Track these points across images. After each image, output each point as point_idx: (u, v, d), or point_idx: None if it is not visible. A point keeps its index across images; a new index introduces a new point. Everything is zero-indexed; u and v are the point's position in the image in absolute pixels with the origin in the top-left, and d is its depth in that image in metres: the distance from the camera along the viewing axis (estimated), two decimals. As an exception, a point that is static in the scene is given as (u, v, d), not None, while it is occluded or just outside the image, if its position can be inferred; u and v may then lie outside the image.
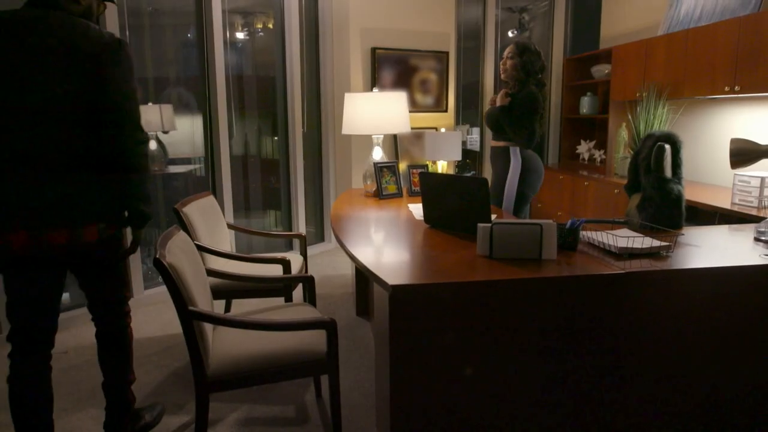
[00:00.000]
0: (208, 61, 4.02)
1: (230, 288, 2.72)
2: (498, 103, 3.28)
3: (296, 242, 4.48)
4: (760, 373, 1.94)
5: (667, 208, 2.27)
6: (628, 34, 4.97)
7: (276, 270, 2.79)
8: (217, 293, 2.67)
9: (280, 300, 2.68)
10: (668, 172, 2.29)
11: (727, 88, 3.49)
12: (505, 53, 3.26)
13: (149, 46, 4.01)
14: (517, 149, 3.26)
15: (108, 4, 2.11)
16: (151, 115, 3.90)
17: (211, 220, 2.93)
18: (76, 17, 1.84)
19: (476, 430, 1.79)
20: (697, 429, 1.94)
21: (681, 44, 3.90)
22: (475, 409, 1.77)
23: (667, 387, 1.88)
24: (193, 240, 2.60)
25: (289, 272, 2.76)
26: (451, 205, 2.35)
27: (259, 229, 4.69)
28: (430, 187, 2.45)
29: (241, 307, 2.80)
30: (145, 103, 3.91)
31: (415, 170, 3.44)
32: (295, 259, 3.01)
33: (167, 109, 3.96)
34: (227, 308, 3.07)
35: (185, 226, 2.65)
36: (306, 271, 3.13)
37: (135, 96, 1.84)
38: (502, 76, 3.30)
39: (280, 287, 2.71)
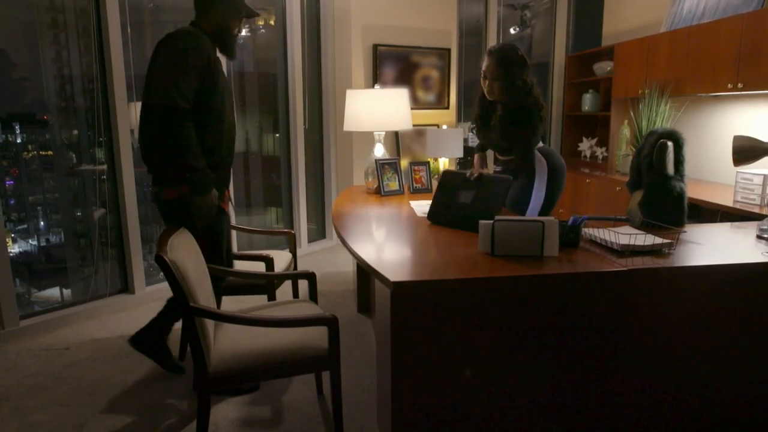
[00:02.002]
0: (210, 57, 4.00)
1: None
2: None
3: (299, 238, 4.49)
4: (762, 371, 1.94)
5: (669, 206, 2.27)
6: (631, 31, 4.95)
7: (260, 267, 2.78)
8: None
9: (281, 297, 2.68)
10: (670, 170, 2.28)
11: (730, 86, 3.48)
12: (485, 69, 2.83)
13: (150, 43, 4.00)
14: (536, 151, 2.85)
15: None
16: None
17: None
18: None
19: (477, 426, 1.79)
20: (698, 426, 1.94)
21: (684, 41, 3.89)
22: (477, 405, 1.77)
23: (668, 384, 1.88)
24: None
25: (272, 269, 2.74)
26: (464, 203, 2.34)
27: (261, 226, 4.70)
28: (449, 184, 2.47)
29: (242, 304, 2.80)
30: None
31: (416, 167, 3.44)
32: (282, 257, 3.00)
33: (168, 105, 3.95)
34: (217, 305, 3.06)
35: None
36: (294, 269, 3.11)
37: None
38: (488, 96, 2.87)
39: (264, 284, 2.69)
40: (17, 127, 3.43)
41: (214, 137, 2.30)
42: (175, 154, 2.16)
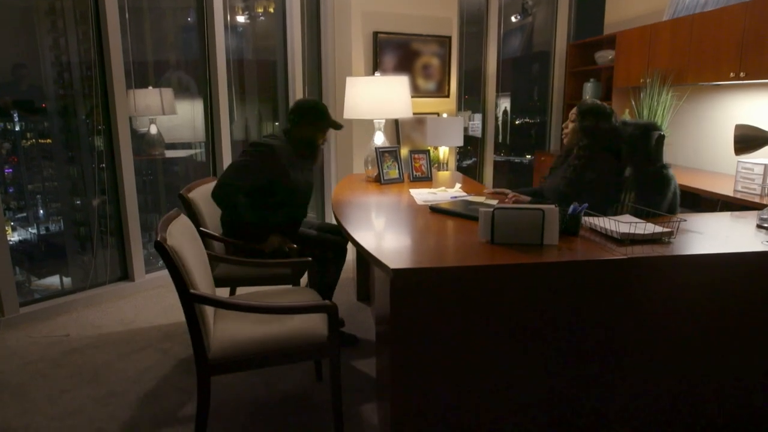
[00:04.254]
0: (209, 44, 3.98)
1: (236, 276, 2.69)
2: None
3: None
4: (762, 359, 1.94)
5: (667, 194, 2.32)
6: (633, 20, 4.92)
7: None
8: (223, 281, 2.65)
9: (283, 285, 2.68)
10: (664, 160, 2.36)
11: (732, 74, 3.46)
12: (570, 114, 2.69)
13: (149, 29, 3.97)
14: None
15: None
16: (151, 99, 3.88)
17: (214, 205, 2.89)
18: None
19: (477, 414, 1.80)
20: (697, 414, 1.95)
21: (686, 30, 3.86)
22: (477, 392, 1.78)
23: (667, 372, 1.89)
24: (199, 227, 2.59)
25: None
26: None
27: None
28: None
29: (244, 291, 2.80)
30: (146, 86, 3.89)
31: (416, 155, 3.43)
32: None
33: (167, 93, 3.94)
34: (232, 296, 3.07)
35: (191, 212, 2.63)
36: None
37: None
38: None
39: (288, 274, 2.65)
40: (15, 115, 3.41)
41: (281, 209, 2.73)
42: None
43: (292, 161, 2.71)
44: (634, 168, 2.37)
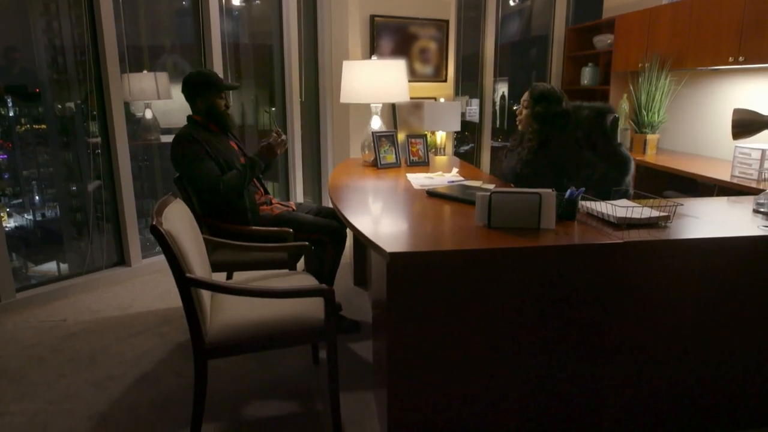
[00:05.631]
0: (204, 28, 3.94)
1: (233, 261, 2.68)
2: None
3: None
4: (757, 344, 1.95)
5: (627, 171, 2.43)
6: (633, 3, 4.87)
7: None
8: (220, 265, 2.64)
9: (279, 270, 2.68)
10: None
11: (731, 59, 3.44)
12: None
13: (144, 13, 3.92)
14: None
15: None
16: (146, 83, 3.85)
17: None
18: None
19: (472, 396, 1.81)
20: (692, 398, 1.97)
21: (686, 13, 3.83)
22: (473, 377, 1.79)
23: (663, 357, 1.90)
24: (195, 212, 2.58)
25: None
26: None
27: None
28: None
29: (241, 276, 2.79)
30: (140, 71, 3.85)
31: (413, 140, 3.41)
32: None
33: (162, 77, 3.90)
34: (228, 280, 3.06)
35: (187, 197, 2.62)
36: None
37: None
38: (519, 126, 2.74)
39: (284, 259, 2.63)
40: (9, 100, 3.38)
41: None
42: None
43: (211, 139, 2.69)
44: (595, 150, 2.40)
